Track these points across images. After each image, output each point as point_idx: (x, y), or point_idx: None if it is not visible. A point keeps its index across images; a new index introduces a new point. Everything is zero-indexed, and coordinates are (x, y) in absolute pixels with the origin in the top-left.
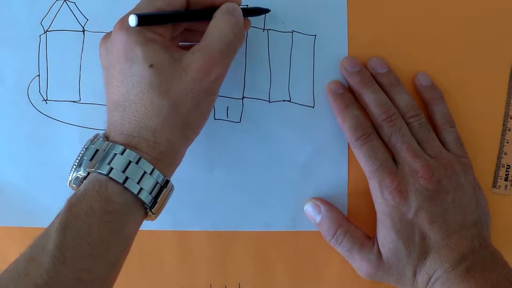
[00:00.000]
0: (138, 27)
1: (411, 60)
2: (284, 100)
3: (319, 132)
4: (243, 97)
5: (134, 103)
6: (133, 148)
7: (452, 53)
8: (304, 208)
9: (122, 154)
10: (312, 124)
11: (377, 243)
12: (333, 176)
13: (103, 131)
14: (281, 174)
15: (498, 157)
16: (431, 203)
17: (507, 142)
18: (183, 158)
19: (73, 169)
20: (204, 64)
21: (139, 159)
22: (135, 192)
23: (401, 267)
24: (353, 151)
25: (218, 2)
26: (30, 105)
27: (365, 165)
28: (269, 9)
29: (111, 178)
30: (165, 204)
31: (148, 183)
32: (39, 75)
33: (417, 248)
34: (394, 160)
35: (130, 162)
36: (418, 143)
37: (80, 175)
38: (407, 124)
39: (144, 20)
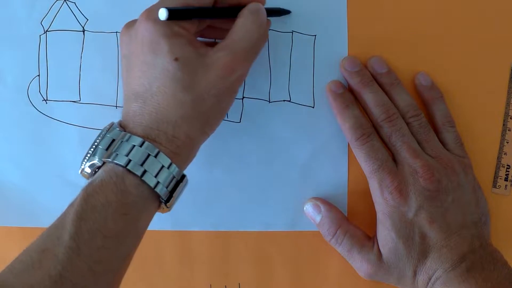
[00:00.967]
0: (165, 20)
1: (411, 60)
2: (284, 100)
3: (319, 132)
4: (243, 97)
5: (156, 95)
6: (152, 141)
7: (452, 53)
8: (304, 208)
9: (140, 146)
10: (312, 124)
11: (377, 243)
12: (333, 176)
13: (117, 122)
14: (281, 174)
15: (498, 157)
16: (431, 203)
17: (507, 142)
18: None
19: (87, 158)
20: (229, 62)
21: (158, 152)
22: (152, 185)
23: (401, 267)
24: (353, 151)
25: (244, 1)
26: (30, 105)
27: (365, 165)
28: (290, 10)
29: (128, 170)
30: (179, 198)
31: (165, 177)
32: (39, 75)
33: (417, 248)
34: (394, 160)
35: (149, 155)
36: (418, 143)
37: (95, 163)
38: (407, 124)
39: (174, 14)
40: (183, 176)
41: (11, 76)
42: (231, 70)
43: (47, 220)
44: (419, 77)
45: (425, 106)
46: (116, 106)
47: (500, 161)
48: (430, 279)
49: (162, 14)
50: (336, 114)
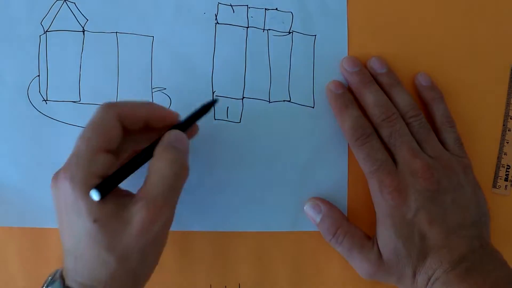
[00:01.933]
0: (82, 175)
1: (411, 60)
2: (284, 100)
3: (319, 132)
4: (243, 97)
5: (84, 255)
6: None
7: (452, 53)
8: (304, 208)
9: None
10: (312, 124)
11: (377, 243)
12: (333, 176)
13: (60, 270)
14: (281, 174)
15: (498, 157)
16: (431, 203)
17: (507, 142)
18: None
19: None
20: (147, 216)
21: None
22: None
23: (401, 267)
24: (353, 151)
25: (153, 123)
26: (30, 105)
27: (365, 165)
28: (217, 99)
29: None
30: None
31: None
32: (39, 75)
33: (417, 248)
34: (394, 160)
35: None
36: (418, 143)
37: None
38: (407, 124)
39: (104, 191)
40: None
41: (11, 76)
42: (150, 223)
43: (47, 220)
44: (419, 77)
45: (425, 106)
46: None
47: (500, 161)
48: (429, 279)
49: (95, 196)
50: (336, 114)
